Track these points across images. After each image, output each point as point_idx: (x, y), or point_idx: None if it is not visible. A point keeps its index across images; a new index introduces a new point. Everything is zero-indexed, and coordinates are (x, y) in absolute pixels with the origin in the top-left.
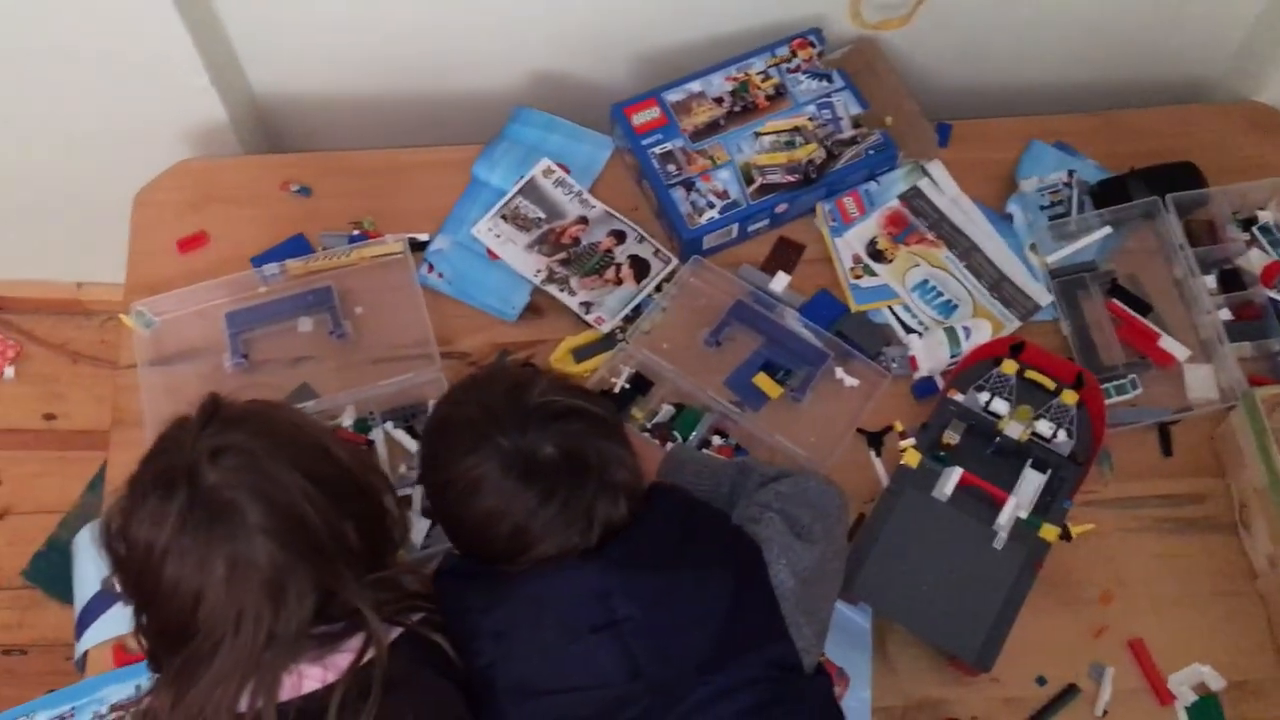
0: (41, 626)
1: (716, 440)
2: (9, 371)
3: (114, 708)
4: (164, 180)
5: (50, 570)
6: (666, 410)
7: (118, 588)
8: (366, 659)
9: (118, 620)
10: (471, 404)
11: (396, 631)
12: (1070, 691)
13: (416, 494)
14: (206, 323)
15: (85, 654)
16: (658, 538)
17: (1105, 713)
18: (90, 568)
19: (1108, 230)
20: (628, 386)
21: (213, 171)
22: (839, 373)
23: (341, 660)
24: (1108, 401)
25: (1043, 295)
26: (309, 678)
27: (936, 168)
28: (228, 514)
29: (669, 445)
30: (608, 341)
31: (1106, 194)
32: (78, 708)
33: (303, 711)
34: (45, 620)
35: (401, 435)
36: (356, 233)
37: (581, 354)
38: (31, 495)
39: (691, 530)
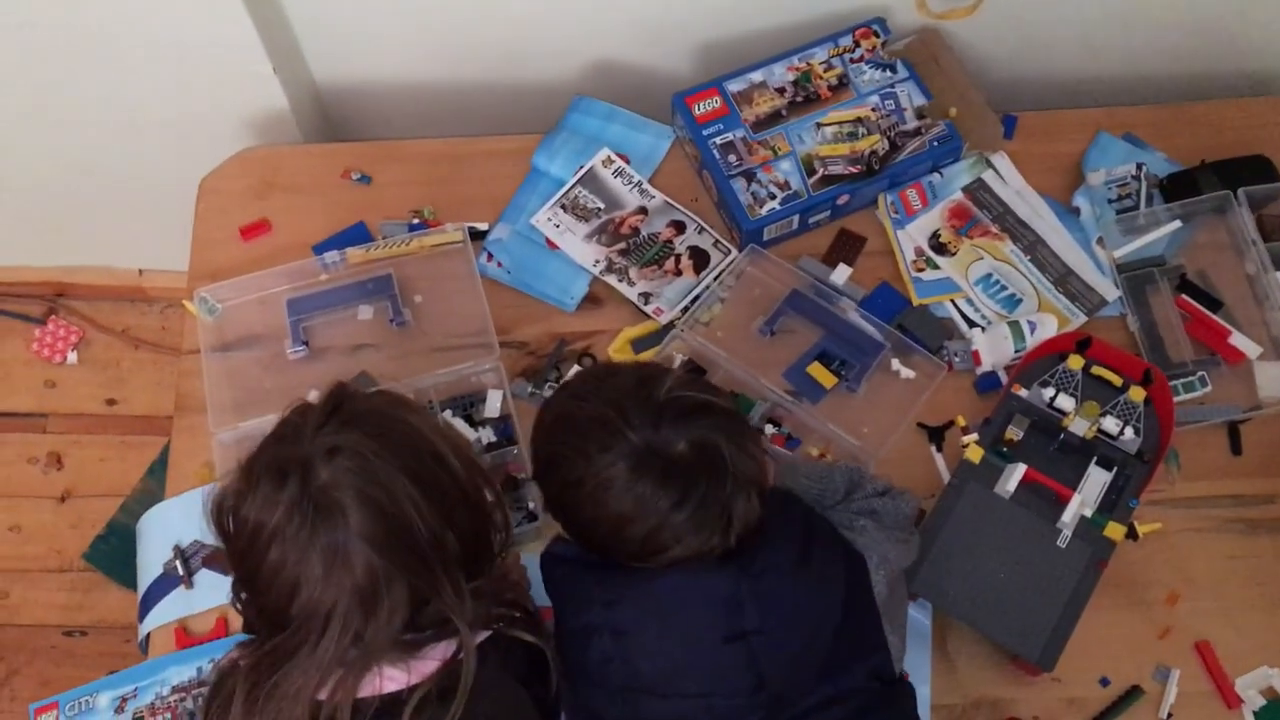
0: (101, 609)
1: (770, 429)
2: (72, 357)
3: (175, 689)
4: (227, 168)
5: (110, 553)
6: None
7: (180, 570)
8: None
9: (180, 603)
10: (597, 400)
11: (484, 635)
12: (1134, 693)
13: None
14: (268, 309)
15: (148, 636)
16: (784, 546)
17: (1170, 715)
18: (153, 552)
19: (1177, 224)
20: None
21: (275, 159)
22: (895, 364)
23: (426, 666)
24: (1176, 399)
25: (1110, 290)
26: (391, 680)
27: (1001, 160)
28: (333, 514)
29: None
30: (667, 332)
31: (1176, 187)
32: (140, 688)
33: (381, 711)
34: (105, 602)
35: (459, 423)
36: (416, 221)
37: (640, 345)
38: (93, 478)
39: (811, 540)
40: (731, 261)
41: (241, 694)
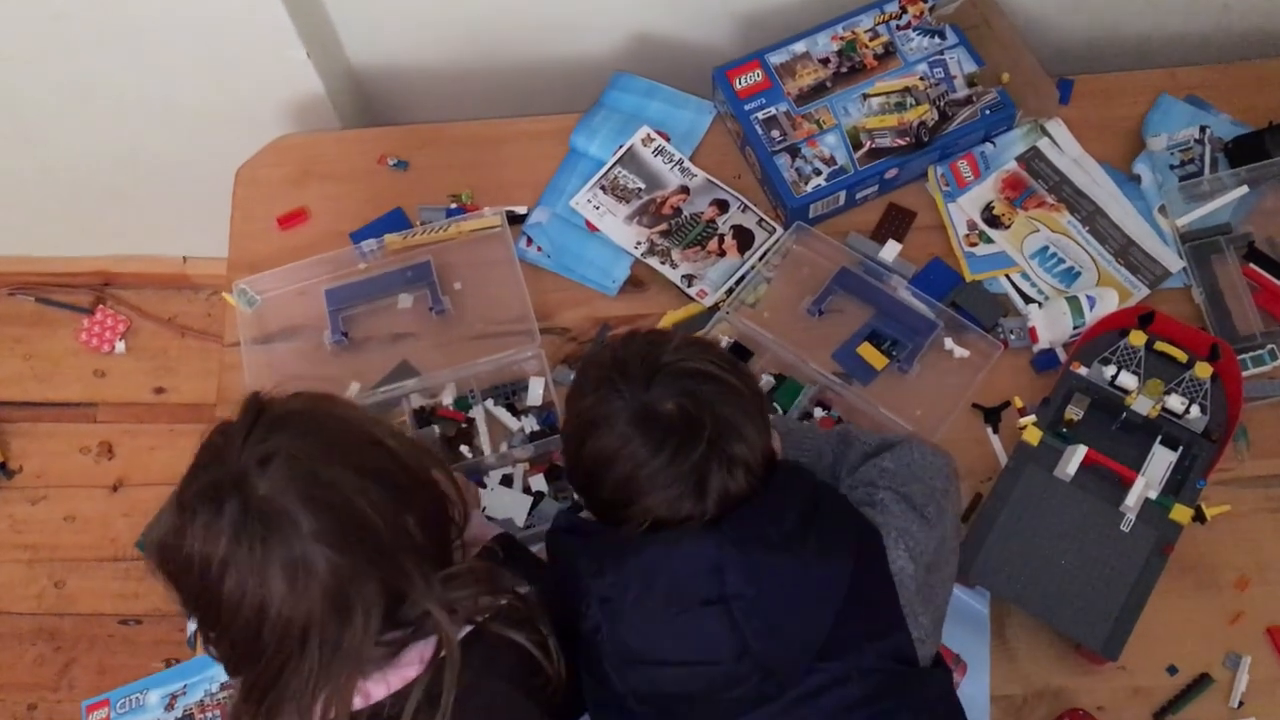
0: (156, 597)
1: (819, 412)
2: (120, 346)
3: (224, 685)
4: (264, 156)
5: None
6: (766, 380)
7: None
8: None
9: None
10: (609, 351)
11: (467, 629)
12: (1203, 681)
13: (518, 472)
14: (307, 300)
15: (196, 632)
16: (778, 517)
17: (1241, 704)
18: None
19: (1244, 190)
20: None
21: (311, 147)
22: (948, 343)
23: (408, 671)
24: (1245, 374)
25: (1173, 261)
26: (376, 687)
27: (1057, 127)
28: (282, 524)
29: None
30: (711, 315)
31: (1242, 151)
32: (190, 685)
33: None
34: (159, 590)
35: (501, 412)
36: (454, 206)
37: (684, 328)
38: (144, 467)
39: (814, 512)
40: (777, 240)
41: None
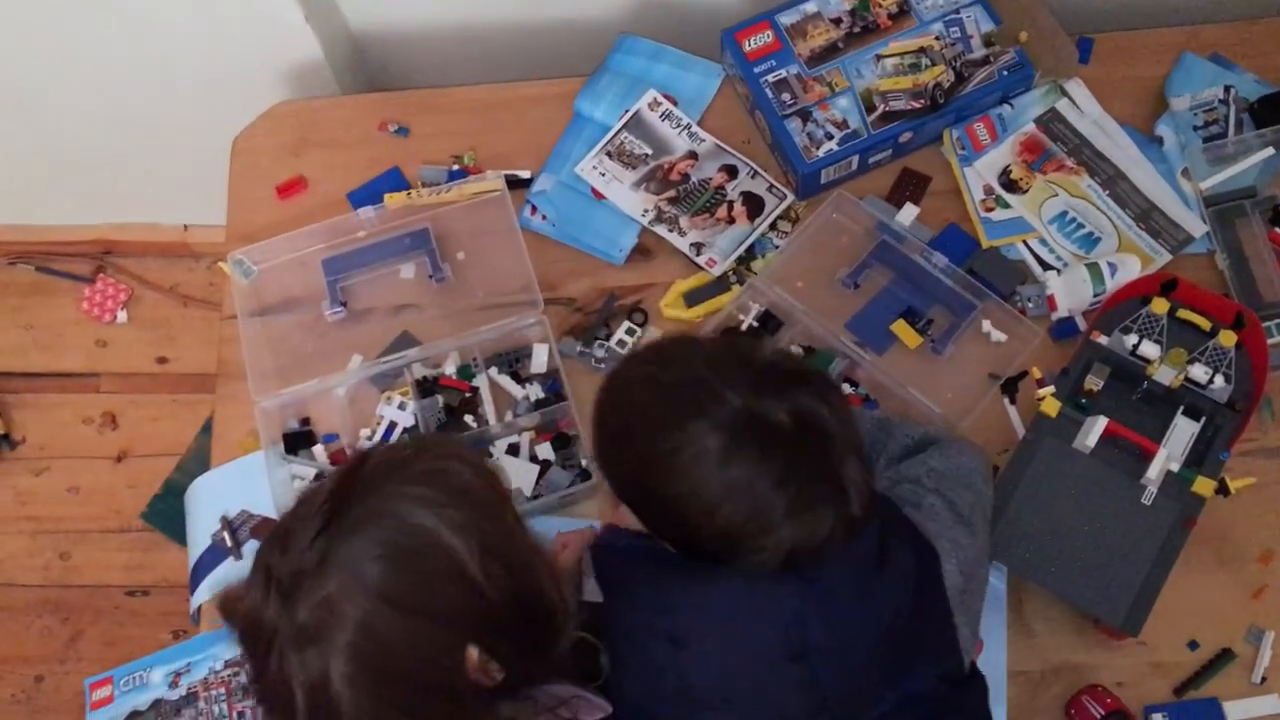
0: (162, 568)
1: (846, 388)
2: (121, 315)
3: (228, 664)
4: (260, 124)
5: (168, 513)
6: (796, 352)
7: (228, 541)
8: None
9: (230, 575)
10: (688, 362)
11: None
12: (1225, 656)
13: (524, 441)
14: (306, 270)
15: (200, 608)
16: (857, 555)
17: (1264, 679)
18: (201, 523)
19: (1270, 151)
20: (756, 325)
21: (309, 113)
22: (986, 326)
23: None
24: (1270, 341)
25: (1196, 225)
26: None
27: (1077, 87)
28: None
29: None
30: (720, 284)
31: (1268, 111)
32: (194, 663)
33: None
34: (166, 561)
35: (505, 380)
36: (456, 167)
37: (693, 298)
38: (148, 438)
39: (886, 543)
40: (787, 205)
41: None
